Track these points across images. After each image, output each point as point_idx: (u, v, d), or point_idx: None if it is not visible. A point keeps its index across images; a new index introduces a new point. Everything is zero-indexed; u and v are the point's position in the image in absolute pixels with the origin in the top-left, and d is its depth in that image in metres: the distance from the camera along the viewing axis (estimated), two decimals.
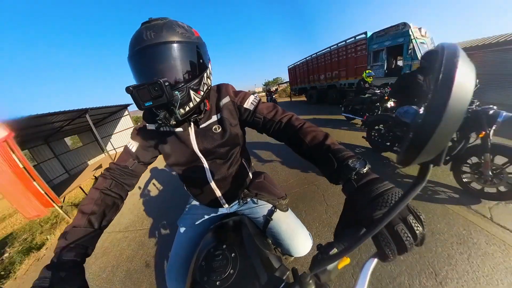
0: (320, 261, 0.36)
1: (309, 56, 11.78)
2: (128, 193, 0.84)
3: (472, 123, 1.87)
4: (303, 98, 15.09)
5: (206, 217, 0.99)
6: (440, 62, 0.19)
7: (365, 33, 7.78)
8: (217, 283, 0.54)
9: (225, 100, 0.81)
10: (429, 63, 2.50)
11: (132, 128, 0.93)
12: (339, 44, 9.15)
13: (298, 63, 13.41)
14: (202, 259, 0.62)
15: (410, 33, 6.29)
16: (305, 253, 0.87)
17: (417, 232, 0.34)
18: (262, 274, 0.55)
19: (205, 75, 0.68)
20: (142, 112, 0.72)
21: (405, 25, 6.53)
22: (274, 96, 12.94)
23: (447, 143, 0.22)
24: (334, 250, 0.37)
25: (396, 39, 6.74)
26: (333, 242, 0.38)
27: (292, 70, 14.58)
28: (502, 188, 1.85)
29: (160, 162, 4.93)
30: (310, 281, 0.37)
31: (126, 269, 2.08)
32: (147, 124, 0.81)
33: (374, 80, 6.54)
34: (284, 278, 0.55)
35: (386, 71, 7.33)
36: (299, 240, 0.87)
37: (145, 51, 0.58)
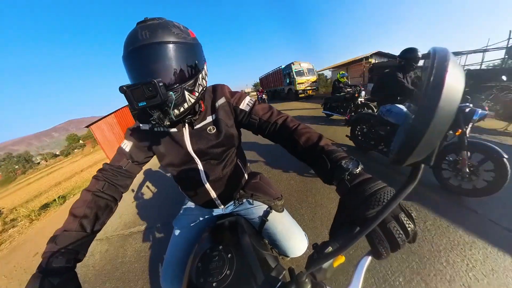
0: (316, 260, 0.36)
1: (266, 73, 21.37)
2: (122, 195, 0.82)
3: None
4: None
5: (202, 218, 0.98)
6: (431, 65, 0.20)
7: (280, 66, 16.75)
8: (214, 284, 0.54)
9: (221, 101, 0.81)
10: (407, 60, 2.59)
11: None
12: (275, 69, 18.36)
13: (263, 76, 22.50)
14: (198, 261, 0.62)
15: (292, 66, 14.39)
16: (301, 253, 0.88)
17: (409, 229, 0.35)
18: (259, 274, 0.55)
19: (200, 76, 0.67)
20: None
21: (290, 63, 14.60)
22: (264, 96, 15.93)
23: (438, 144, 0.22)
24: (329, 249, 0.37)
25: (288, 69, 15.16)
26: (328, 241, 0.39)
27: (260, 80, 23.95)
28: (478, 185, 1.91)
29: (153, 165, 4.91)
30: (306, 280, 0.38)
31: (120, 272, 2.04)
32: (140, 124, 0.81)
33: (284, 86, 16.10)
34: (280, 277, 0.55)
35: (287, 83, 15.75)
36: (295, 241, 0.88)
37: (140, 51, 0.58)
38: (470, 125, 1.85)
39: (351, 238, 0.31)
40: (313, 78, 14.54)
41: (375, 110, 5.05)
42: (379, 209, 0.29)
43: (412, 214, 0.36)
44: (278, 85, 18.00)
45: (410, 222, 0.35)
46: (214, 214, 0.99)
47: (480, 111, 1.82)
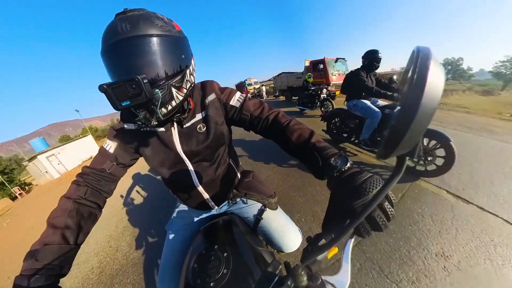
0: (310, 253, 0.38)
1: (237, 83, 29.26)
2: (106, 201, 0.78)
3: None
4: None
5: (195, 219, 0.97)
6: (415, 63, 0.21)
7: (241, 80, 26.73)
8: (211, 284, 0.54)
9: (211, 97, 0.77)
10: (369, 60, 2.89)
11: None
12: (240, 82, 27.14)
13: (236, 84, 30.58)
14: (194, 262, 0.62)
15: (245, 81, 24.61)
16: (296, 248, 0.89)
17: (390, 214, 0.37)
18: (256, 270, 0.56)
19: (187, 71, 0.64)
20: None
21: (246, 79, 24.89)
22: (249, 96, 18.97)
23: (421, 138, 0.24)
24: (323, 241, 0.39)
25: (244, 82, 24.78)
26: (321, 233, 0.40)
27: (236, 86, 33.65)
28: (437, 163, 2.26)
29: (142, 169, 4.78)
30: (302, 272, 0.39)
31: (116, 280, 1.98)
32: (125, 124, 0.75)
33: (244, 91, 19.81)
34: (277, 272, 0.56)
35: (244, 90, 21.88)
36: (290, 237, 0.89)
37: (120, 45, 0.53)
38: None
39: (343, 229, 0.32)
40: (257, 86, 24.82)
41: (333, 103, 6.54)
42: (367, 202, 0.30)
43: (394, 201, 0.39)
44: (242, 90, 27.02)
45: (392, 208, 0.38)
46: (208, 215, 0.98)
47: None
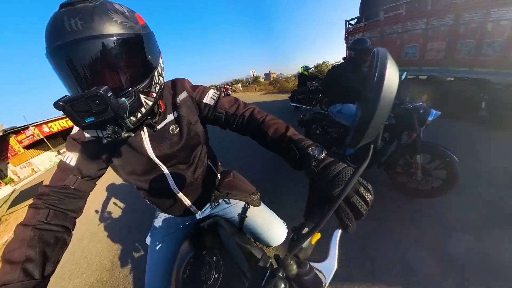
0: (296, 242, 0.40)
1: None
2: (76, 221, 0.68)
3: (404, 122, 1.80)
4: None
5: (178, 227, 0.93)
6: (375, 63, 0.24)
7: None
8: None
9: (182, 95, 0.73)
10: (356, 52, 2.22)
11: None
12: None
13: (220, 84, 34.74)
14: (183, 272, 0.60)
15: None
16: (282, 241, 0.92)
17: (368, 199, 0.40)
18: (247, 268, 0.56)
19: (156, 73, 0.58)
20: None
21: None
22: (229, 92, 19.95)
23: (382, 127, 0.27)
24: (306, 229, 0.41)
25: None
26: (304, 222, 0.42)
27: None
28: (434, 185, 1.87)
29: (116, 178, 4.43)
30: (291, 262, 0.41)
31: None
32: (85, 132, 0.66)
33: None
34: (268, 266, 0.58)
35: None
36: (275, 231, 0.91)
37: (72, 49, 0.44)
38: (424, 127, 1.72)
39: (323, 215, 0.35)
40: None
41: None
42: (342, 187, 0.33)
43: (369, 187, 0.42)
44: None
45: (369, 193, 0.41)
46: (191, 220, 0.95)
47: (434, 112, 1.68)
